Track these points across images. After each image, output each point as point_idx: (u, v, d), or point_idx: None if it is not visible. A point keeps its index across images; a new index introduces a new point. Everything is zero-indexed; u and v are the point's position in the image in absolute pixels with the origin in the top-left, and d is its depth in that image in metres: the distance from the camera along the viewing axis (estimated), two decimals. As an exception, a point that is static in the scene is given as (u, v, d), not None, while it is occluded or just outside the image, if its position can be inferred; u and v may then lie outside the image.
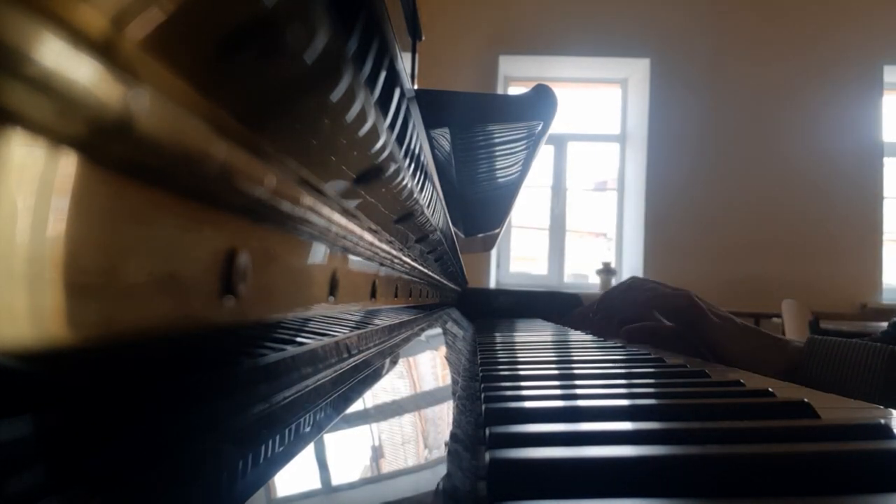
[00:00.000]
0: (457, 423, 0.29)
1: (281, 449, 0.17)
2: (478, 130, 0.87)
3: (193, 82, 0.12)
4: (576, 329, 1.01)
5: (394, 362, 0.37)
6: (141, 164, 0.12)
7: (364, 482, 0.19)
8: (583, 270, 3.18)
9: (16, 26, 0.07)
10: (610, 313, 0.84)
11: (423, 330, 0.59)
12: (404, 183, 0.31)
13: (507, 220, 1.16)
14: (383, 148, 0.24)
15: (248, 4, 0.12)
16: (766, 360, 0.67)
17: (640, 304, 0.79)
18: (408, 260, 0.49)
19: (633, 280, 0.87)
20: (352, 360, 0.31)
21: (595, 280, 3.04)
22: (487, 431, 0.23)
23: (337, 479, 0.18)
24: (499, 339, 0.77)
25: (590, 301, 1.12)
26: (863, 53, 2.86)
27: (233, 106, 0.14)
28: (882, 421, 0.24)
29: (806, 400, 0.29)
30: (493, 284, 2.99)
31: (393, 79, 0.23)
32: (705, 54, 2.89)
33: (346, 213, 0.26)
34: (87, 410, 0.11)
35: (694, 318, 0.72)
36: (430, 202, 0.43)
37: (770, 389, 0.34)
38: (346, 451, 0.20)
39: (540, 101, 0.88)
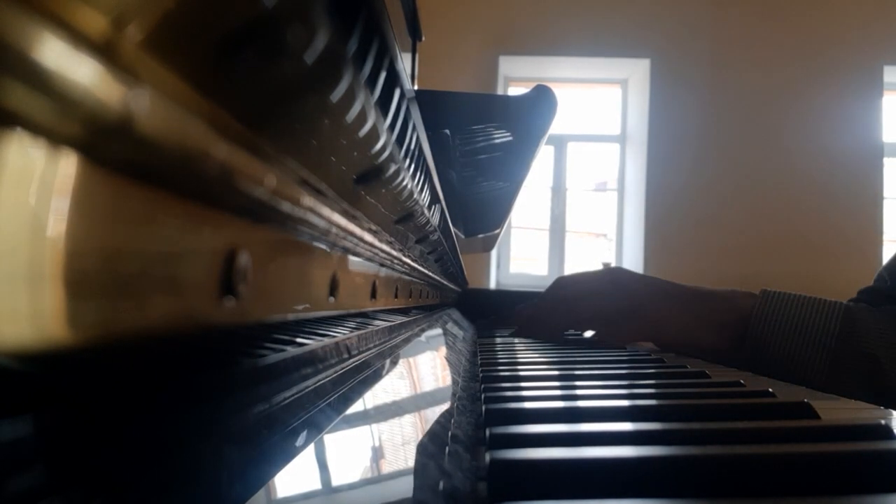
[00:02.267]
0: (457, 423, 0.29)
1: (281, 449, 0.16)
2: (478, 131, 0.87)
3: (193, 82, 0.12)
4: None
5: (394, 363, 0.37)
6: (141, 165, 0.12)
7: (364, 483, 0.19)
8: (583, 271, 3.18)
9: (16, 26, 0.07)
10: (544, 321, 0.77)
11: (423, 331, 0.59)
12: (404, 183, 0.31)
13: (507, 220, 1.16)
14: (383, 148, 0.24)
15: (248, 4, 0.12)
16: (712, 323, 0.63)
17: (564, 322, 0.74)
18: (408, 260, 0.49)
19: (562, 283, 0.79)
20: (352, 360, 0.31)
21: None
22: (487, 432, 0.23)
23: (337, 480, 0.18)
24: (499, 340, 0.77)
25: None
26: (863, 54, 2.86)
27: (233, 106, 0.14)
28: (882, 421, 0.24)
29: (806, 400, 0.29)
30: (493, 285, 2.98)
31: (393, 79, 0.23)
32: (705, 54, 2.89)
33: (346, 213, 0.26)
34: (87, 411, 0.11)
35: (626, 311, 0.67)
36: (430, 203, 0.43)
37: (770, 390, 0.34)
38: (347, 451, 0.20)
39: (540, 102, 0.88)
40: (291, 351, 0.23)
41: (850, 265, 2.80)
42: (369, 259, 0.37)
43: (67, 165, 0.10)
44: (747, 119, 2.86)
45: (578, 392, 0.35)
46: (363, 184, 0.25)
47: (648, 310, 0.66)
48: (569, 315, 0.73)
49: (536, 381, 0.41)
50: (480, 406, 0.30)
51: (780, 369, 0.58)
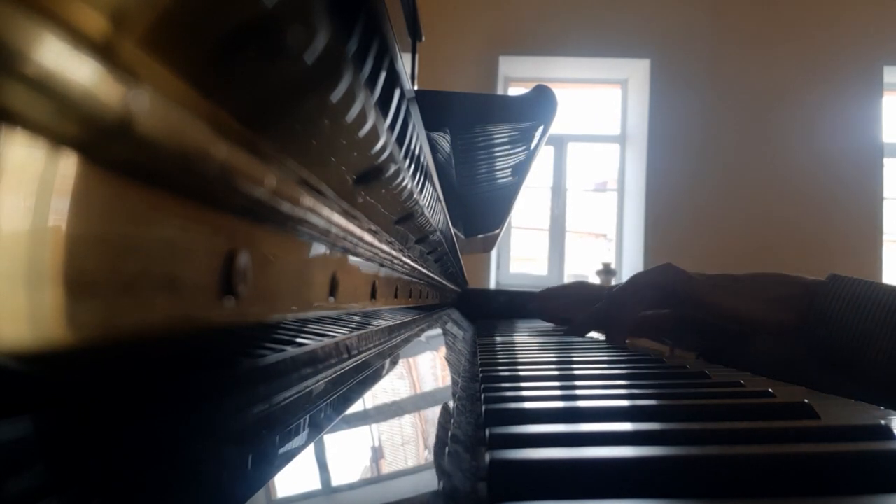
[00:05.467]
0: (457, 423, 0.29)
1: (281, 450, 0.17)
2: (478, 131, 0.87)
3: (193, 82, 0.12)
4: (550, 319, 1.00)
5: (394, 363, 0.37)
6: (141, 165, 0.12)
7: (364, 483, 0.19)
8: (583, 271, 3.18)
9: (16, 26, 0.07)
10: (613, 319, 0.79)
11: (423, 331, 0.59)
12: (404, 183, 0.31)
13: (507, 220, 1.16)
14: (383, 148, 0.24)
15: (248, 4, 0.12)
16: (776, 299, 0.62)
17: (630, 307, 0.73)
18: (408, 261, 0.49)
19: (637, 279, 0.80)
20: (352, 360, 0.31)
21: (595, 281, 3.04)
22: (487, 432, 0.23)
23: (337, 480, 0.18)
24: (499, 340, 0.77)
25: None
26: (863, 54, 2.86)
27: (233, 106, 0.14)
28: (882, 422, 0.24)
29: (806, 401, 0.29)
30: (493, 285, 2.98)
31: (393, 79, 0.23)
32: (705, 54, 2.89)
33: (346, 213, 0.26)
34: (87, 411, 0.11)
35: (680, 294, 0.67)
36: (430, 203, 0.43)
37: (770, 391, 0.34)
38: (346, 451, 0.20)
39: (540, 102, 0.88)
40: (291, 351, 0.23)
41: (851, 265, 2.79)
42: (369, 259, 0.37)
43: (67, 165, 0.10)
44: (747, 119, 2.86)
45: (578, 392, 0.35)
46: (363, 184, 0.25)
47: (703, 287, 0.66)
48: (637, 304, 0.72)
49: (536, 381, 0.41)
50: (480, 406, 0.30)
51: (843, 345, 0.57)
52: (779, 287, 0.63)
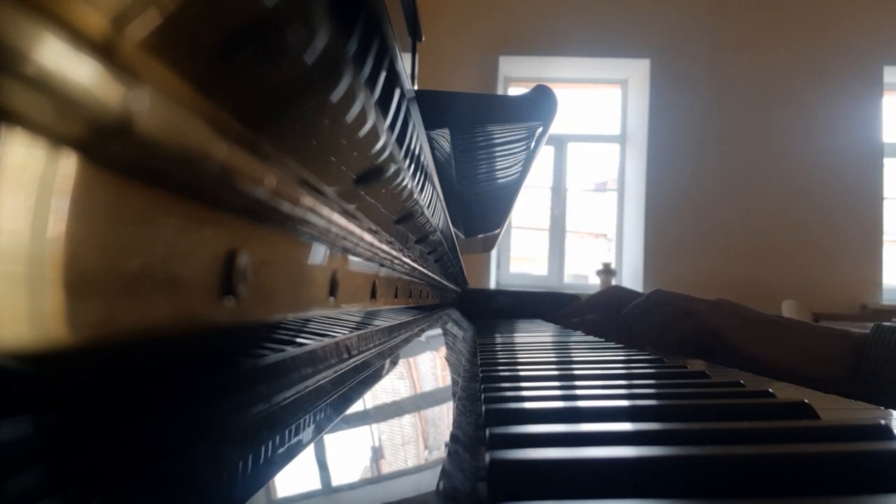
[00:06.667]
0: (457, 423, 0.29)
1: (281, 450, 0.17)
2: (478, 131, 0.87)
3: (193, 82, 0.12)
4: (570, 327, 1.00)
5: (394, 363, 0.37)
6: (141, 165, 0.12)
7: (364, 483, 0.19)
8: (583, 271, 3.19)
9: (16, 26, 0.07)
10: (631, 329, 0.76)
11: (423, 331, 0.59)
12: (404, 183, 0.31)
13: (507, 220, 1.16)
14: (383, 148, 0.24)
15: (248, 5, 0.12)
16: (820, 358, 0.60)
17: (660, 327, 0.72)
18: (408, 261, 0.49)
19: (657, 296, 0.77)
20: (352, 360, 0.31)
21: (595, 281, 3.04)
22: (487, 432, 0.23)
23: (337, 480, 0.18)
24: (499, 340, 0.77)
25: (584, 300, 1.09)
26: (863, 54, 2.86)
27: (233, 106, 0.14)
28: (882, 421, 0.24)
29: (806, 401, 0.29)
30: (493, 285, 2.99)
31: (393, 79, 0.23)
32: (705, 54, 2.89)
33: (346, 213, 0.26)
34: (87, 411, 0.11)
35: (716, 341, 0.65)
36: (430, 203, 0.43)
37: (770, 390, 0.34)
38: (346, 451, 0.20)
39: (540, 102, 0.88)
40: (291, 351, 0.23)
41: (850, 265, 2.80)
42: (369, 259, 0.37)
43: (67, 165, 0.10)
44: (747, 119, 2.86)
45: (578, 392, 0.35)
46: (363, 184, 0.25)
47: (740, 333, 0.64)
48: (661, 331, 0.71)
49: (536, 381, 0.41)
50: (480, 406, 0.30)
51: (892, 396, 0.55)
52: (826, 344, 0.61)
